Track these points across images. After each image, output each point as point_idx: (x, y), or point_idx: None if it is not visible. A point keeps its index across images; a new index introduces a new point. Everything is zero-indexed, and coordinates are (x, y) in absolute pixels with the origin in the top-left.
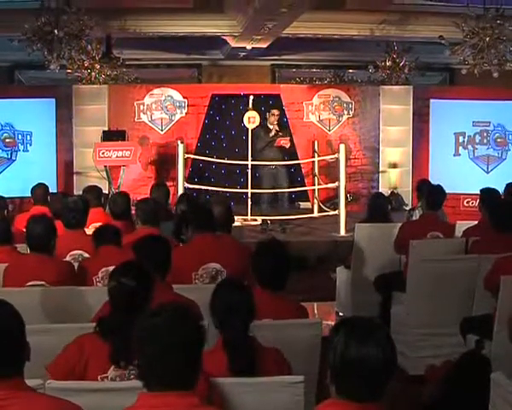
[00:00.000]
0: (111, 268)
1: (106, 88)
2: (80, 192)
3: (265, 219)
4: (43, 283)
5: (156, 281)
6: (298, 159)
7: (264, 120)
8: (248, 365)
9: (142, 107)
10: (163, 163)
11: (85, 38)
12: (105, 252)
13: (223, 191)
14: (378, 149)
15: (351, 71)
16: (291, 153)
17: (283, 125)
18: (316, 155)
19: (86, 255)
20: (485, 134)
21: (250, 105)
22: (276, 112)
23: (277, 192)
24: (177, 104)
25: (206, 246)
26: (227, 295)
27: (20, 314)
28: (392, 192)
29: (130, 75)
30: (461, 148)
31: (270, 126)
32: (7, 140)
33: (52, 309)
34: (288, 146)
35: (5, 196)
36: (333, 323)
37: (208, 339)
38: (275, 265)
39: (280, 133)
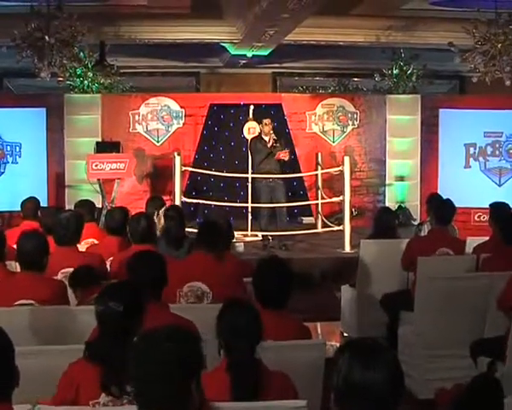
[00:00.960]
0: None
1: (99, 97)
2: (72, 206)
3: (266, 235)
4: (32, 302)
5: (151, 301)
6: (300, 171)
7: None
8: (252, 389)
9: (137, 117)
10: (159, 176)
11: (78, 45)
12: None
13: (222, 206)
14: (384, 162)
15: (356, 79)
16: (292, 165)
17: (281, 134)
18: (319, 167)
19: None
20: (497, 145)
21: (250, 115)
22: (267, 121)
23: (275, 207)
24: (174, 114)
25: (196, 264)
26: (233, 317)
27: (8, 336)
28: (399, 206)
29: (125, 84)
30: (471, 160)
31: (266, 138)
32: None
33: (43, 330)
34: (287, 158)
35: None
36: (337, 344)
37: (208, 361)
38: (276, 283)
39: (277, 143)
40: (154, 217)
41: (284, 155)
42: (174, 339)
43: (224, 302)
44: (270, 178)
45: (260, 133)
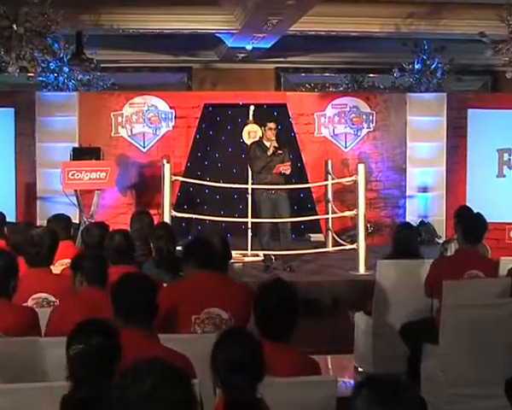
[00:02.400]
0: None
1: (76, 96)
2: (45, 222)
3: (268, 255)
4: None
5: (140, 332)
6: (307, 182)
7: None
8: None
9: (120, 119)
10: (145, 187)
11: (51, 36)
12: (87, 293)
13: (217, 221)
14: (405, 170)
15: (371, 75)
16: (299, 174)
17: (286, 141)
18: (329, 177)
19: (52, 299)
20: None
21: (250, 117)
22: (272, 125)
23: (278, 223)
24: (163, 116)
25: (211, 286)
26: (231, 349)
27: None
28: (421, 222)
29: (106, 81)
30: (505, 167)
31: (267, 143)
32: None
33: (8, 365)
34: (288, 172)
35: None
36: (350, 381)
37: (203, 401)
38: (279, 310)
39: (279, 151)
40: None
41: (285, 169)
42: (163, 382)
43: (220, 332)
44: (271, 189)
45: (262, 137)
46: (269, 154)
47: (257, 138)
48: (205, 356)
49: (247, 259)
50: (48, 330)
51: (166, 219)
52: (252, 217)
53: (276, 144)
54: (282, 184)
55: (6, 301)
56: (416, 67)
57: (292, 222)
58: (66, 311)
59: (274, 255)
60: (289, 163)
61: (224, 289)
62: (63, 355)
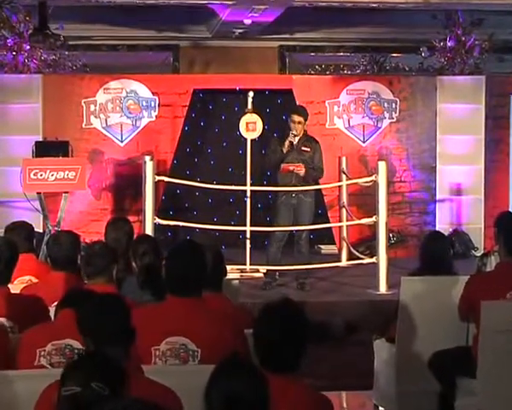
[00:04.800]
0: (68, 341)
1: (40, 79)
2: (1, 231)
3: (273, 271)
4: None
5: (121, 361)
6: (318, 183)
7: (267, 126)
8: None
9: (92, 107)
10: (124, 189)
11: (7, 6)
12: (66, 316)
13: (210, 229)
14: (434, 169)
15: (395, 55)
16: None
17: (310, 137)
18: (344, 176)
19: (9, 324)
20: None
21: (249, 105)
22: (296, 118)
23: (296, 231)
24: (144, 103)
25: (175, 312)
26: (230, 383)
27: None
28: (455, 231)
29: (76, 61)
30: None
31: (293, 139)
32: None
33: None
34: (302, 173)
35: None
36: None
37: None
38: (284, 335)
39: (304, 148)
40: None
41: (298, 170)
42: None
43: (217, 363)
44: (292, 191)
45: (290, 131)
46: (284, 150)
47: (257, 131)
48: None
49: (245, 275)
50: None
51: (149, 227)
52: (251, 225)
53: (296, 141)
54: (299, 185)
55: None
56: (449, 44)
57: (308, 230)
58: (34, 342)
59: (279, 271)
60: (302, 165)
61: (193, 315)
62: (31, 389)
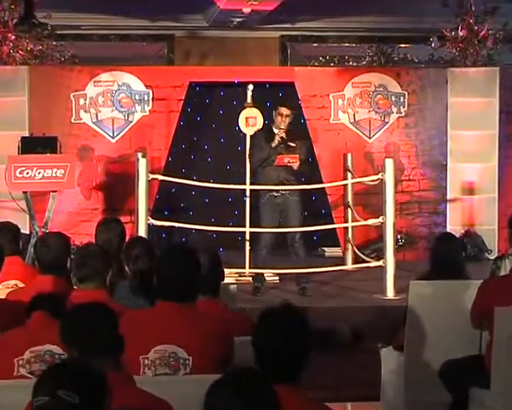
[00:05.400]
0: (48, 347)
1: (26, 71)
2: None
3: (260, 274)
4: None
5: (110, 372)
6: (321, 181)
7: (267, 120)
8: None
9: (82, 101)
10: (115, 188)
11: None
12: (38, 320)
13: (207, 231)
14: (445, 166)
15: (403, 46)
16: (309, 171)
17: (300, 132)
18: (349, 174)
19: None
20: None
21: (249, 99)
22: (284, 111)
23: (284, 233)
24: (137, 97)
25: (165, 318)
26: (230, 397)
27: None
28: (467, 232)
29: (64, 52)
30: None
31: (275, 130)
32: None
33: None
34: (296, 166)
35: None
36: None
37: None
38: (284, 344)
39: (290, 143)
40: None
41: (293, 162)
42: None
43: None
44: (276, 190)
45: (271, 124)
46: (273, 145)
47: (257, 126)
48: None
49: (243, 279)
50: None
51: (142, 228)
52: (250, 226)
53: (285, 135)
54: (290, 184)
55: None
56: (460, 34)
57: (301, 232)
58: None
59: (279, 274)
60: (297, 156)
61: (184, 321)
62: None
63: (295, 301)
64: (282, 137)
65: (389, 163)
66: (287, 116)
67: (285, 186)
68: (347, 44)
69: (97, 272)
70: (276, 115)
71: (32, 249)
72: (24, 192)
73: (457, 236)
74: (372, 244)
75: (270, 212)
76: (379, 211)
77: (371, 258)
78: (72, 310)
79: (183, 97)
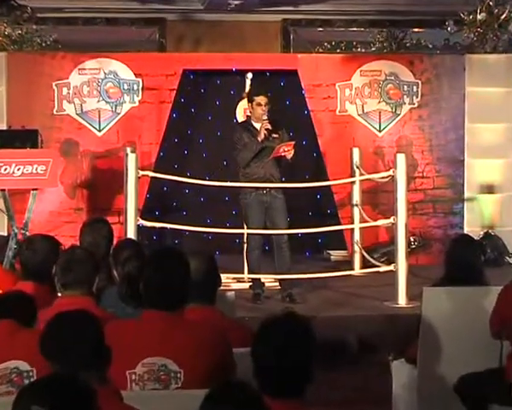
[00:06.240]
0: (14, 363)
1: (3, 57)
2: None
3: (258, 279)
4: None
5: (96, 386)
6: (327, 178)
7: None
8: None
9: (65, 90)
10: (102, 186)
11: None
12: (3, 330)
13: (201, 232)
14: (462, 162)
15: (416, 30)
16: (314, 167)
17: (281, 120)
18: (357, 171)
19: None
20: None
21: (247, 88)
22: (262, 100)
23: (271, 234)
24: (126, 87)
25: (153, 329)
26: None
27: None
28: (486, 234)
29: (46, 37)
30: None
31: (257, 125)
32: None
33: None
34: (290, 156)
35: None
36: None
37: None
38: (286, 356)
39: (274, 135)
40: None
41: (287, 152)
42: None
43: (209, 389)
44: (262, 188)
45: (249, 118)
46: (259, 139)
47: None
48: None
49: (234, 286)
50: None
51: (131, 229)
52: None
53: (269, 126)
54: (276, 181)
55: None
56: (479, 17)
57: (288, 234)
58: None
59: (277, 280)
60: (292, 143)
61: (174, 331)
62: None
63: (299, 310)
64: (267, 129)
65: (401, 159)
66: (266, 105)
67: (272, 184)
68: (355, 29)
69: (83, 277)
70: (255, 107)
71: (11, 253)
72: (1, 190)
73: (475, 238)
74: (382, 247)
75: (258, 211)
76: (389, 211)
77: (381, 262)
78: (53, 319)
79: (176, 87)
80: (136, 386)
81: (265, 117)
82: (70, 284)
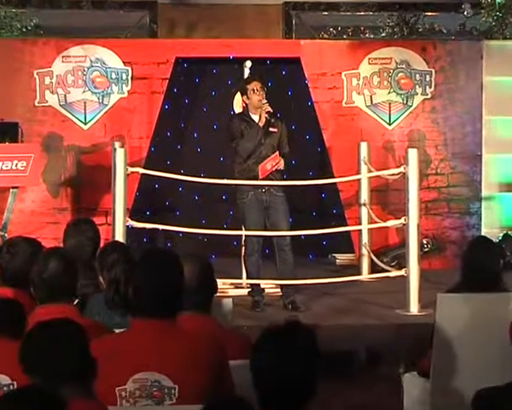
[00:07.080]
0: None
1: None
2: None
3: (257, 285)
4: None
5: (77, 399)
6: (332, 176)
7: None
8: None
9: (48, 80)
10: (87, 183)
11: None
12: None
13: (196, 234)
14: (480, 158)
15: (429, 14)
16: (319, 163)
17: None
18: (365, 168)
19: None
20: None
21: (246, 77)
22: (256, 85)
23: (271, 236)
24: (114, 76)
25: (143, 341)
26: None
27: None
28: (505, 236)
29: (26, 21)
30: None
31: (255, 116)
32: None
33: None
34: (282, 166)
35: None
36: None
37: None
38: (288, 368)
39: (272, 129)
40: None
41: (276, 165)
42: None
43: (203, 407)
44: (261, 186)
45: (246, 108)
46: (261, 125)
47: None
48: None
49: (231, 292)
50: None
51: (119, 231)
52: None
53: (270, 109)
54: (276, 179)
55: None
56: (498, 0)
57: (291, 236)
58: None
59: (279, 285)
60: (276, 153)
61: (166, 343)
62: None
63: (302, 318)
64: (268, 112)
65: (412, 154)
66: (261, 88)
67: (271, 181)
68: (363, 13)
69: (60, 291)
70: (250, 95)
71: None
72: None
73: (494, 240)
74: (392, 250)
75: (257, 210)
76: (400, 211)
77: (391, 266)
78: (33, 329)
79: (169, 76)
80: (127, 403)
81: (264, 100)
82: (45, 299)
